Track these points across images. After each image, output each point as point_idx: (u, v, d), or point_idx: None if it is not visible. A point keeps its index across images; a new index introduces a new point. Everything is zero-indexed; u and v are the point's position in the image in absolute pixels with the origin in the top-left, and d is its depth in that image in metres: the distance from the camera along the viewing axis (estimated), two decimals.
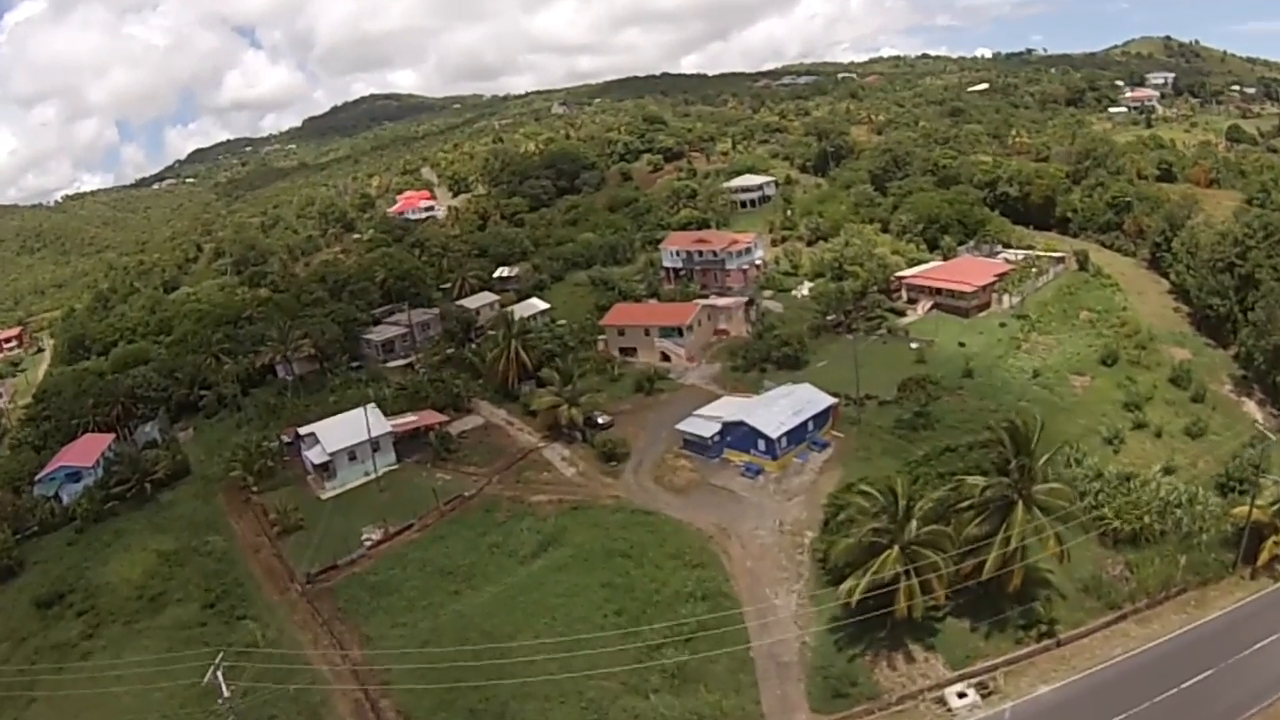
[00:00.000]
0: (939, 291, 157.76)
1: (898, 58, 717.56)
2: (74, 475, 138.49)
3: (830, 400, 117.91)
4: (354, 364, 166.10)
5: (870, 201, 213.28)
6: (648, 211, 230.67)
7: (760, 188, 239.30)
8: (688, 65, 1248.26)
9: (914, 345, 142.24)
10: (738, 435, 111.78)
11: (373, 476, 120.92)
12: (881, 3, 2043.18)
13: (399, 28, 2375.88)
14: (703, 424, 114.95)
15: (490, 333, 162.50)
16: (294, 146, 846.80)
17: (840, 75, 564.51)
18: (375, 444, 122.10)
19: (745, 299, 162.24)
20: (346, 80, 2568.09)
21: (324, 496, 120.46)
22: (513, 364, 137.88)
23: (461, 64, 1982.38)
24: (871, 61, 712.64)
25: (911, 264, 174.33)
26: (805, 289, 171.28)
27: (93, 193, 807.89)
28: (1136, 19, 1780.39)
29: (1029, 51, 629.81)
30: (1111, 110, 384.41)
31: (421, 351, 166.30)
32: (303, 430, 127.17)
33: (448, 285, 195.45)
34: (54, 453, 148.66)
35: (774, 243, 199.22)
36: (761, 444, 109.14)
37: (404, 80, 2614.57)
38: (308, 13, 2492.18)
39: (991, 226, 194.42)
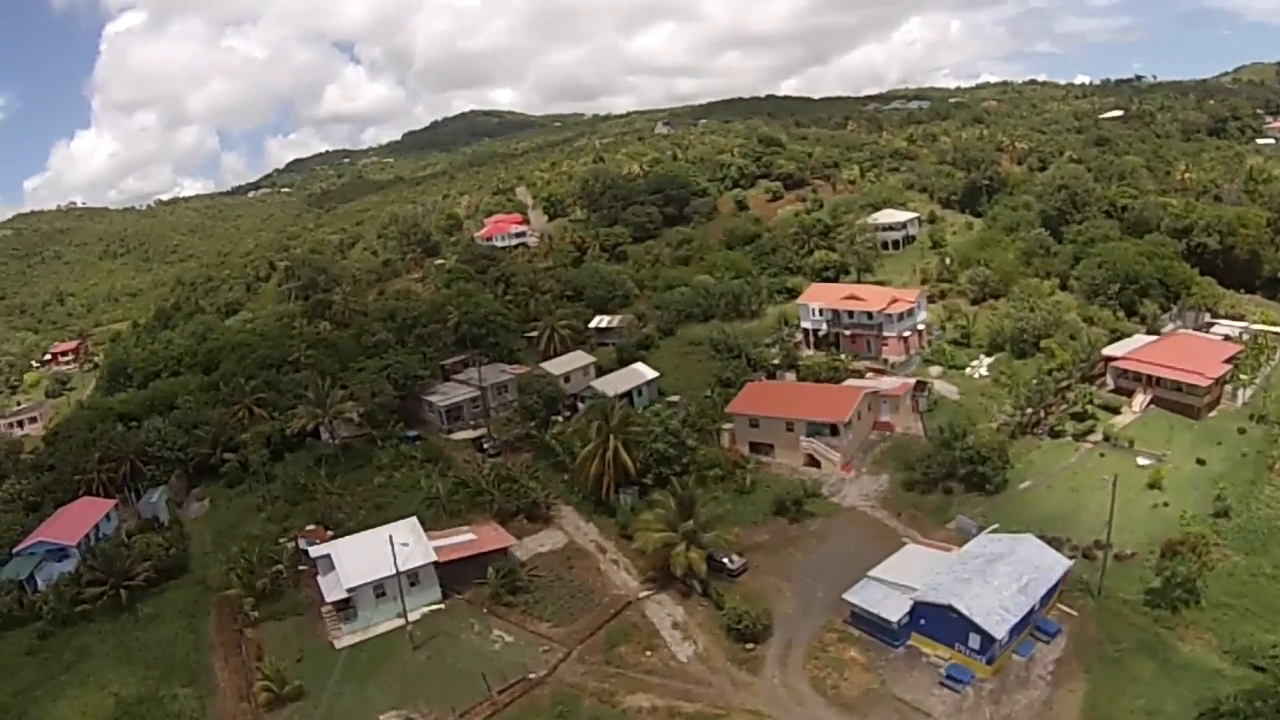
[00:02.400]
0: (1158, 381, 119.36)
1: (1005, 83, 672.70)
2: (57, 553, 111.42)
3: (1065, 564, 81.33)
4: (410, 434, 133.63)
5: (1044, 250, 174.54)
6: (773, 251, 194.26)
7: (904, 225, 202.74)
8: (787, 89, 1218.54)
9: (1142, 462, 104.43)
10: (937, 620, 75.80)
11: (406, 622, 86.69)
12: (981, 29, 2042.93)
13: (497, 46, 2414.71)
14: (882, 596, 78.87)
15: (581, 407, 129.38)
16: (391, 160, 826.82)
17: (952, 100, 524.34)
18: (413, 576, 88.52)
19: (911, 380, 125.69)
20: (446, 96, 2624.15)
21: (339, 644, 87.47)
22: (609, 467, 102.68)
23: (560, 83, 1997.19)
24: (979, 87, 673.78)
25: (1113, 338, 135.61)
26: (984, 367, 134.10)
27: (186, 199, 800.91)
28: (1237, 44, 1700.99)
29: (1137, 78, 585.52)
30: (1259, 141, 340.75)
31: (494, 423, 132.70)
32: (316, 550, 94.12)
33: (533, 334, 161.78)
34: (49, 514, 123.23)
35: (930, 299, 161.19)
36: (974, 639, 73.03)
37: (503, 98, 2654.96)
38: (406, 30, 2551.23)
39: (1198, 289, 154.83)
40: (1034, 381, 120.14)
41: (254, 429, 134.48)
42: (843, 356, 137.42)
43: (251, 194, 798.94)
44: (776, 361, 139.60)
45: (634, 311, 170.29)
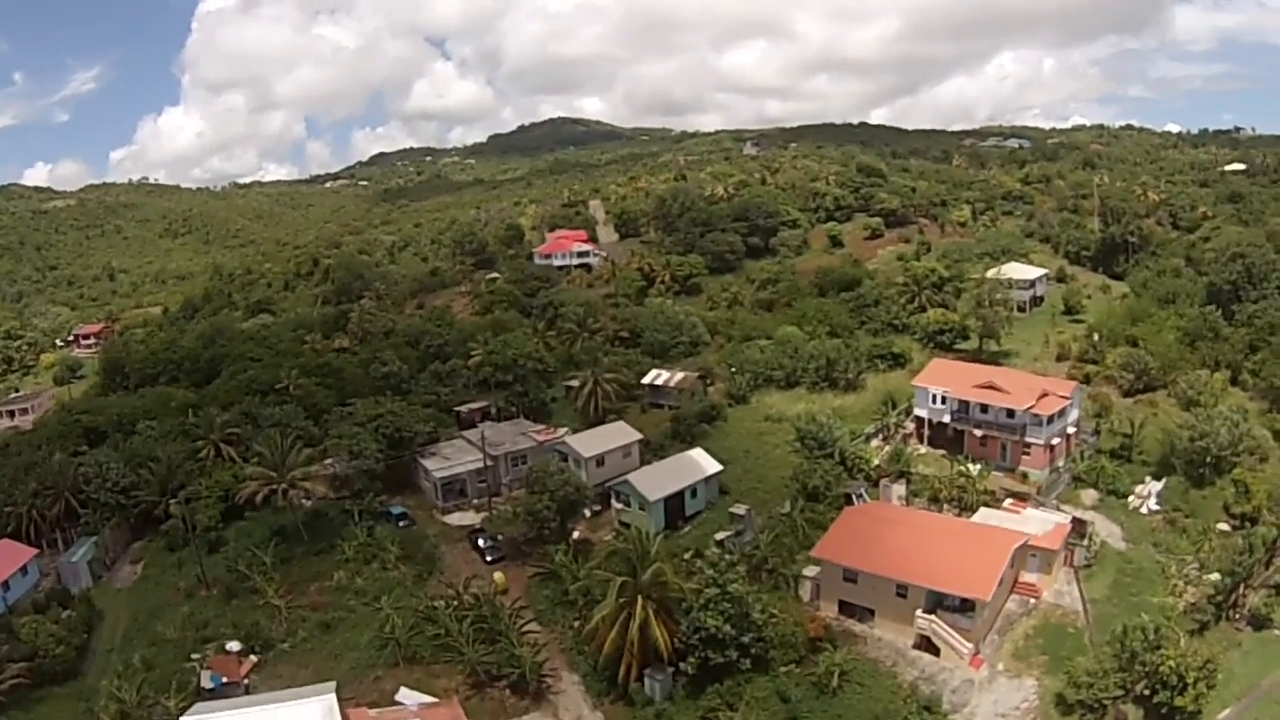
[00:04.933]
0: None
1: (1101, 126, 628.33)
2: None
3: None
4: (395, 510, 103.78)
5: (1213, 332, 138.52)
6: (875, 304, 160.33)
7: (1033, 284, 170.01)
8: (876, 118, 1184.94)
9: None
10: None
11: None
12: (1074, 69, 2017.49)
13: (588, 54, 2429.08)
14: None
15: (615, 505, 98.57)
16: (473, 161, 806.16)
17: (1051, 140, 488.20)
18: None
19: (1067, 521, 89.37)
20: (534, 100, 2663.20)
21: None
22: (633, 645, 69.67)
23: (649, 96, 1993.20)
24: (1074, 129, 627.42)
25: None
26: (1153, 497, 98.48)
27: (262, 183, 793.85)
28: None
29: (1236, 130, 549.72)
30: None
31: (498, 515, 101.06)
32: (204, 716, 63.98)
33: (574, 383, 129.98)
34: None
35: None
36: None
37: (591, 106, 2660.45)
38: (498, 30, 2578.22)
39: None
40: (1234, 535, 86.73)
41: (213, 477, 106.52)
42: (973, 470, 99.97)
43: (330, 184, 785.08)
44: (879, 463, 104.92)
45: (701, 366, 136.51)
